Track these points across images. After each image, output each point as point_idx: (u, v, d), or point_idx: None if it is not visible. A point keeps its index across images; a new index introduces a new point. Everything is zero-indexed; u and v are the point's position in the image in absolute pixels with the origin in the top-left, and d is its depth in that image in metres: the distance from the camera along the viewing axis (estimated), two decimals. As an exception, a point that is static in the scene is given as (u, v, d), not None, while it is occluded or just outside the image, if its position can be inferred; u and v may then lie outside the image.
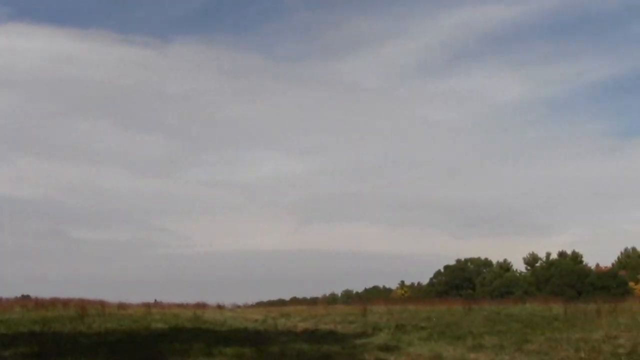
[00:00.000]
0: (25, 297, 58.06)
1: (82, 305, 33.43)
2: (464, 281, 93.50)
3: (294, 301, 79.55)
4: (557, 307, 31.78)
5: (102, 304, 36.97)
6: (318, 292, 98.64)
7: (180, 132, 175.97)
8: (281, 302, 75.36)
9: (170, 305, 42.48)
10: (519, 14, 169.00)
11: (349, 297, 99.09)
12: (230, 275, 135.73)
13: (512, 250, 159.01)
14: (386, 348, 17.10)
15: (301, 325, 25.56)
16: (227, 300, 45.02)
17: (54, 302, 39.32)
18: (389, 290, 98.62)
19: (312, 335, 21.12)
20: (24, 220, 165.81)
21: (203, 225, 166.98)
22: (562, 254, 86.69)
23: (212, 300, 43.73)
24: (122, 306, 36.22)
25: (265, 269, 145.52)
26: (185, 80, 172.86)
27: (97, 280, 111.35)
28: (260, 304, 65.09)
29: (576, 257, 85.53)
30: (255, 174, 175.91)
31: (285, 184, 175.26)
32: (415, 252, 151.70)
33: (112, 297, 41.31)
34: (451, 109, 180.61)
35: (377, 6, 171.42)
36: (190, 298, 59.83)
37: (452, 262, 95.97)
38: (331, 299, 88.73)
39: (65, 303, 39.10)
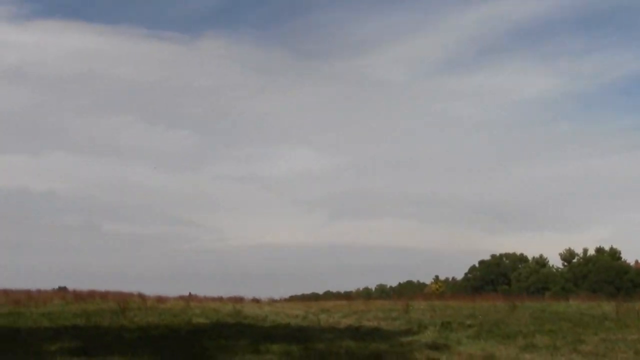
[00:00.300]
0: (63, 289, 58.44)
1: (123, 299, 33.39)
2: (499, 276, 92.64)
3: (328, 295, 79.25)
4: (606, 306, 31.05)
5: (141, 297, 36.87)
6: (349, 287, 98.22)
7: (209, 127, 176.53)
8: (315, 297, 75.10)
9: (207, 299, 42.32)
10: (548, 7, 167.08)
11: (382, 291, 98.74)
12: (262, 269, 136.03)
13: (544, 246, 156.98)
14: (435, 347, 16.69)
15: (344, 322, 25.22)
16: (260, 294, 44.77)
17: (92, 295, 39.35)
18: (423, 285, 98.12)
19: (356, 332, 20.74)
20: (58, 214, 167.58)
21: (234, 220, 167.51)
22: (599, 250, 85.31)
23: (244, 293, 43.59)
24: (160, 299, 36.05)
25: (297, 263, 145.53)
26: (212, 76, 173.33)
27: (129, 273, 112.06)
28: (293, 298, 64.87)
29: (614, 253, 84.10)
30: (284, 169, 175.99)
31: (315, 179, 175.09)
32: (446, 247, 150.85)
33: (144, 289, 41.20)
34: (479, 104, 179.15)
35: (403, 1, 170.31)
36: (223, 291, 59.85)
37: (486, 257, 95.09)
38: (365, 294, 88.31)
39: (103, 295, 39.12)
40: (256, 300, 41.51)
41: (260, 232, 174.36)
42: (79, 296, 38.73)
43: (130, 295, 39.73)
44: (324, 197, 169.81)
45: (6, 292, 43.02)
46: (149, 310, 28.58)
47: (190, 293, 46.72)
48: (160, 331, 19.93)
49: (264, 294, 46.92)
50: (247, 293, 44.02)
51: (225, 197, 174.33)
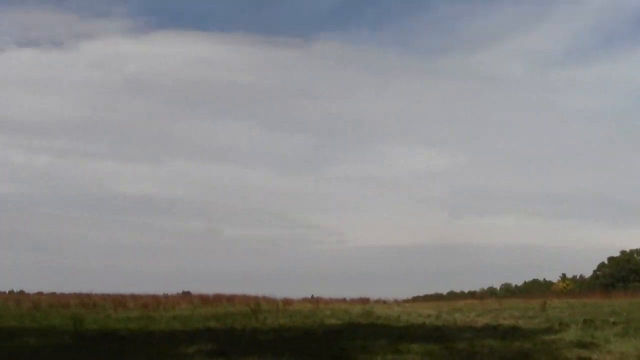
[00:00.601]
0: (187, 293, 59.49)
1: (250, 302, 33.26)
2: (631, 273, 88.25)
3: (452, 295, 77.92)
4: None
5: (268, 300, 36.71)
6: (473, 286, 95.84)
7: (326, 129, 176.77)
8: (438, 297, 73.91)
9: (332, 301, 41.86)
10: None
11: (508, 290, 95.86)
12: (383, 270, 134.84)
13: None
14: (583, 345, 15.65)
15: (480, 320, 24.47)
16: (382, 295, 43.94)
17: (218, 298, 39.58)
18: (550, 284, 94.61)
19: (495, 331, 19.90)
20: (182, 220, 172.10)
21: (354, 221, 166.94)
22: None
23: (366, 294, 42.86)
24: (286, 302, 35.72)
25: (418, 263, 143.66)
26: (328, 78, 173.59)
27: (251, 277, 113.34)
28: (417, 299, 63.81)
29: None
30: (403, 169, 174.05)
31: (435, 177, 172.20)
32: (572, 244, 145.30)
33: (266, 292, 41.12)
34: (599, 96, 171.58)
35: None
36: (344, 293, 59.29)
37: (615, 254, 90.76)
38: (490, 293, 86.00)
39: (230, 299, 39.29)
40: (384, 301, 40.70)
41: (381, 233, 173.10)
42: (205, 300, 39.04)
43: (256, 298, 39.73)
44: (444, 195, 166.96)
45: (134, 297, 43.99)
46: (280, 312, 28.27)
47: (312, 295, 46.50)
48: (294, 333, 19.54)
49: (385, 295, 46.11)
50: (369, 294, 43.28)
51: (345, 199, 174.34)
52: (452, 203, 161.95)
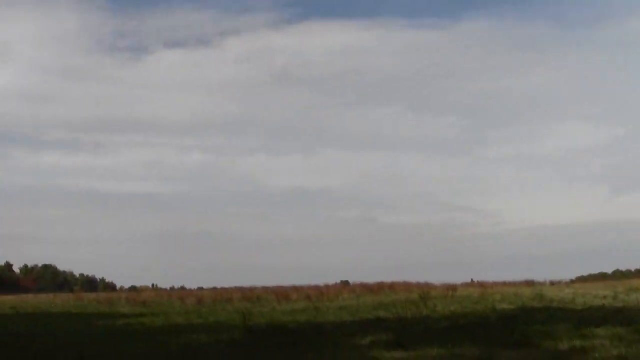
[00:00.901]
0: (345, 283, 59.72)
1: (410, 289, 32.76)
2: None
3: (619, 274, 74.14)
4: None
5: (429, 286, 36.03)
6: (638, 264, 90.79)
7: (476, 110, 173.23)
8: (603, 276, 70.61)
9: (497, 284, 40.59)
10: None
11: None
12: (543, 251, 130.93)
13: None
14: None
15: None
16: (542, 277, 42.06)
17: (380, 287, 39.22)
18: None
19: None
20: (337, 210, 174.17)
21: (510, 202, 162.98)
22: None
23: (526, 276, 41.26)
24: (450, 287, 34.82)
25: (579, 242, 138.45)
26: (476, 58, 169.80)
27: (408, 263, 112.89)
28: (582, 279, 61.18)
29: None
30: (558, 146, 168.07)
31: (592, 153, 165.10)
32: None
33: (424, 278, 40.49)
34: None
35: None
36: (508, 276, 57.58)
37: None
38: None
39: (391, 287, 38.85)
40: (550, 283, 39.03)
41: (539, 213, 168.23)
42: (367, 289, 38.79)
43: (419, 285, 39.17)
44: (603, 171, 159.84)
45: (296, 289, 44.47)
46: (449, 299, 27.52)
47: (471, 279, 45.39)
48: (468, 320, 18.86)
49: (548, 277, 44.27)
50: (532, 276, 41.63)
51: (499, 180, 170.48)
52: (612, 179, 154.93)
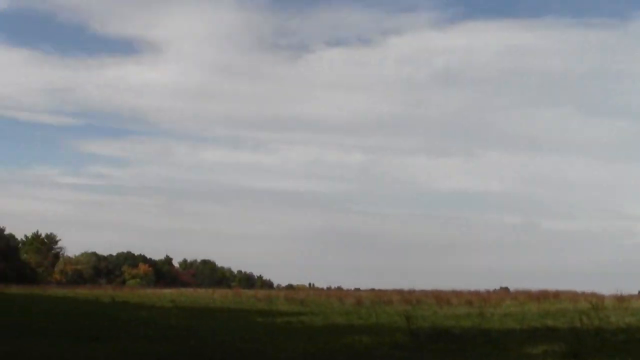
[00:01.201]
0: (504, 289, 58.24)
1: (576, 298, 31.46)
2: None
3: None
4: None
5: (597, 297, 34.45)
6: None
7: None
8: None
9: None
10: None
11: None
12: None
13: None
14: None
15: None
16: None
17: (544, 294, 37.92)
18: None
19: None
20: (497, 214, 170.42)
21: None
22: None
23: None
24: (619, 298, 33.07)
25: None
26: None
27: (572, 271, 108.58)
28: None
29: None
30: None
31: None
32: None
33: (592, 288, 38.67)
34: None
35: None
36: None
37: None
38: None
39: (555, 295, 37.51)
40: None
41: None
42: (530, 296, 37.61)
43: (584, 294, 37.57)
44: None
45: (456, 293, 43.81)
46: (621, 310, 26.12)
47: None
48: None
49: None
50: None
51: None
52: None
